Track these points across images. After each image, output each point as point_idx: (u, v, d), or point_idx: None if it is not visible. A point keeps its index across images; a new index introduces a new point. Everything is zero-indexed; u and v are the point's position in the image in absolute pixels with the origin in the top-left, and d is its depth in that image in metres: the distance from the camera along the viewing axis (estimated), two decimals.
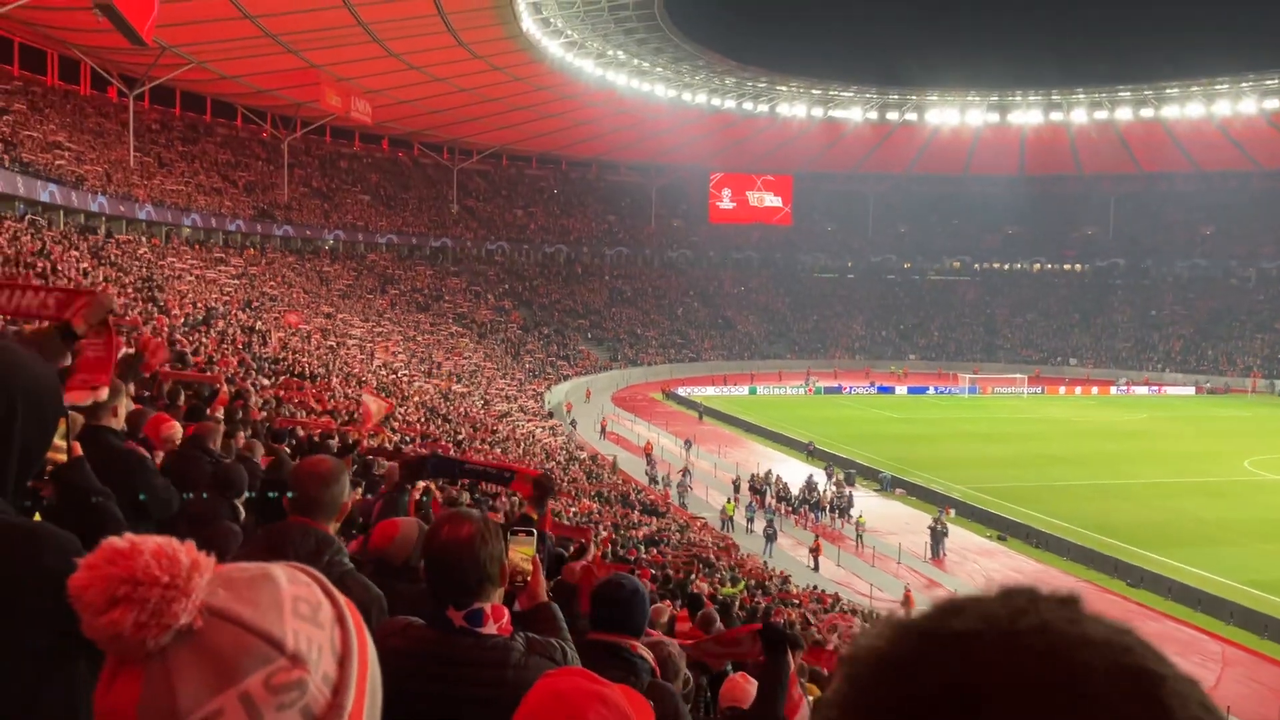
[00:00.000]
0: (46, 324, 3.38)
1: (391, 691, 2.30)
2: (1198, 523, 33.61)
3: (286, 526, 2.66)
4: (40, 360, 2.12)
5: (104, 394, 3.73)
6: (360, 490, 8.50)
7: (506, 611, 2.32)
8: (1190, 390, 74.35)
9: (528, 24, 54.79)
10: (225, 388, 11.79)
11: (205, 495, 4.62)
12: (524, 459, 31.95)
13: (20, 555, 1.70)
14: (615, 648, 2.80)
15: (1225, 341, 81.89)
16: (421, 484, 8.87)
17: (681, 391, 66.50)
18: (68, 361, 3.39)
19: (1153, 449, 47.76)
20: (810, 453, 44.44)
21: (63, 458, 2.22)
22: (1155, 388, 74.68)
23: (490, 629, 2.25)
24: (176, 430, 6.00)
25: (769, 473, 39.36)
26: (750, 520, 34.69)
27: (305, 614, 0.91)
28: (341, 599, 0.98)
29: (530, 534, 2.65)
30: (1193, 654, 23.19)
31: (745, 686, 4.04)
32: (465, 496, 14.62)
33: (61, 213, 39.56)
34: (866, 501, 37.30)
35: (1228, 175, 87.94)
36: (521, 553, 2.57)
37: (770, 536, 32.18)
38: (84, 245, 33.67)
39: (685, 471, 40.07)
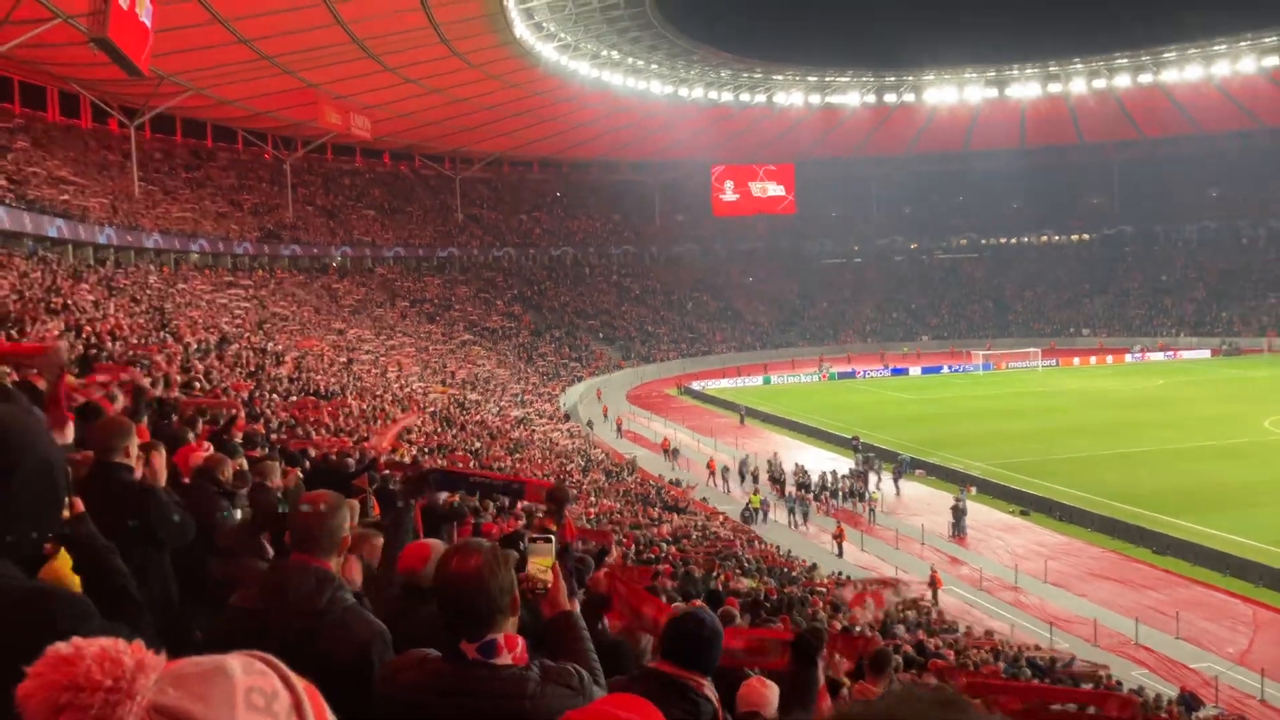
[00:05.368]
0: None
1: None
2: (1221, 486, 33.47)
3: (285, 566, 2.62)
4: (48, 431, 2.21)
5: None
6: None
7: (521, 641, 2.30)
8: (1206, 353, 74.02)
9: (520, 30, 54.75)
10: (241, 412, 11.88)
11: (227, 527, 4.69)
12: (544, 462, 32.05)
13: (35, 618, 1.76)
14: (683, 687, 2.78)
15: (1239, 302, 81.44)
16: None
17: (696, 386, 66.40)
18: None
19: (1171, 414, 47.54)
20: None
21: (65, 514, 2.28)
22: (1170, 353, 74.36)
23: (505, 659, 2.24)
24: (200, 460, 6.07)
25: (801, 466, 39.20)
26: (772, 509, 34.77)
27: (259, 705, 0.91)
28: (300, 685, 0.97)
29: (549, 540, 2.67)
30: (1224, 619, 23.13)
31: (763, 691, 3.92)
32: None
33: (70, 247, 39.76)
34: (885, 485, 37.28)
35: (1231, 135, 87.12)
36: (541, 563, 2.59)
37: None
38: (93, 278, 33.86)
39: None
